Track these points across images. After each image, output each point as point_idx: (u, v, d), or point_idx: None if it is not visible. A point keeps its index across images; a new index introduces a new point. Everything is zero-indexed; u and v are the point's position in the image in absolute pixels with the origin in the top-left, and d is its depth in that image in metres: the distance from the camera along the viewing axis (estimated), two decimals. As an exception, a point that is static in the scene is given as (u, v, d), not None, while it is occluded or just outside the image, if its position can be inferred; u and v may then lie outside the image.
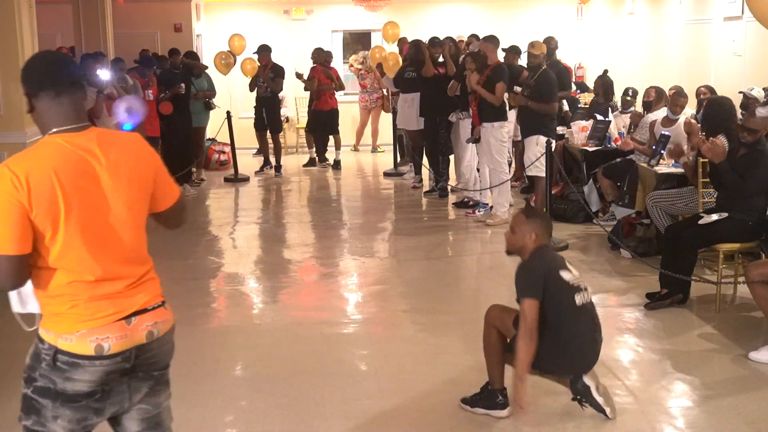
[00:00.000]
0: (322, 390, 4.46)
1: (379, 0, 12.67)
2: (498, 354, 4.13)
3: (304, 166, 12.69)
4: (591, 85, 11.09)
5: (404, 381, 4.60)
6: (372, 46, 14.42)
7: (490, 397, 4.15)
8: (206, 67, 11.56)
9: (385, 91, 13.20)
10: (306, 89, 12.43)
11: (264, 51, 11.65)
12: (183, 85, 10.15)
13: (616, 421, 4.05)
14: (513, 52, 8.96)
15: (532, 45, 8.28)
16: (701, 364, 4.86)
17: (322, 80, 12.13)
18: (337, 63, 14.63)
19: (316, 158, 12.71)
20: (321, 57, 12.30)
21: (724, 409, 4.20)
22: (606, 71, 10.59)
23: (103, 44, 10.63)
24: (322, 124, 12.34)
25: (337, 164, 12.44)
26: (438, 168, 10.05)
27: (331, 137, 12.54)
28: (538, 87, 8.00)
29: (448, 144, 9.91)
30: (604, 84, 9.74)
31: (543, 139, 7.76)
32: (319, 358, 4.95)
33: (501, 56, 8.87)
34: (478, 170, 9.18)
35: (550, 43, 10.11)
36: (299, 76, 12.19)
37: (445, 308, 5.94)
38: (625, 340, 5.28)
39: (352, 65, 13.86)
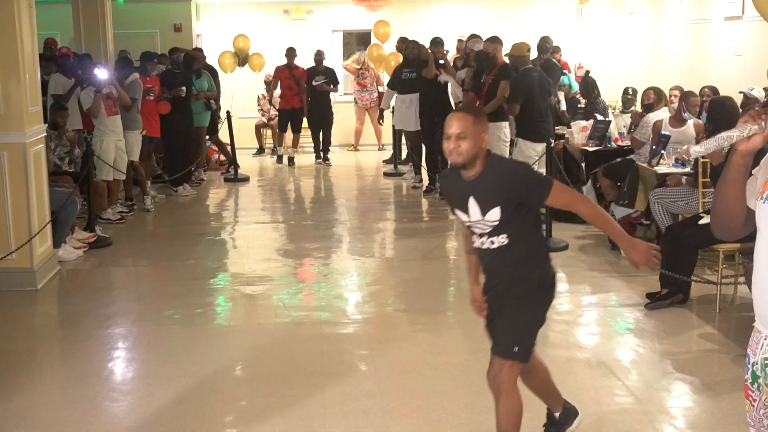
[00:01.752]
0: (322, 390, 4.46)
1: (380, 0, 12.67)
2: None
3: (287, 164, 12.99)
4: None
5: (404, 381, 4.60)
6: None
7: None
8: (205, 58, 11.61)
9: (381, 89, 13.22)
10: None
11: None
12: (183, 88, 10.13)
13: (617, 421, 4.05)
14: None
15: (513, 47, 8.38)
16: (701, 364, 4.86)
17: (283, 81, 12.52)
18: (337, 63, 14.66)
19: (282, 156, 13.09)
20: (290, 57, 12.52)
21: (724, 409, 4.19)
22: (588, 72, 10.63)
23: (103, 44, 10.62)
24: (291, 122, 12.71)
25: (290, 161, 12.86)
26: (436, 168, 10.07)
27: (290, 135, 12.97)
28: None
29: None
30: (586, 84, 9.80)
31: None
32: (319, 358, 4.95)
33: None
34: None
35: (545, 42, 10.15)
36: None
37: (445, 308, 5.94)
38: (625, 340, 5.28)
39: (348, 66, 13.88)
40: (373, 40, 13.16)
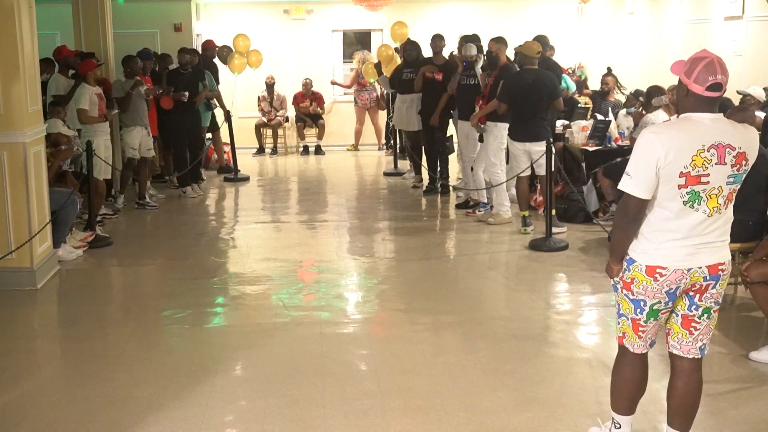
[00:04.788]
0: (322, 390, 4.46)
1: (380, 0, 12.67)
2: None
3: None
4: (596, 83, 11.09)
5: (404, 381, 4.60)
6: (372, 45, 14.43)
7: None
8: (214, 55, 11.65)
9: (380, 89, 13.21)
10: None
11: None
12: (186, 93, 10.10)
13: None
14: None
15: (524, 44, 8.40)
16: (701, 364, 4.85)
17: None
18: (337, 63, 14.69)
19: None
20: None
21: (724, 409, 4.20)
22: (610, 69, 10.62)
23: (102, 44, 10.60)
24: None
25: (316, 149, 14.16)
26: (436, 167, 10.07)
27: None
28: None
29: (443, 144, 9.95)
30: (617, 80, 9.84)
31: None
32: (319, 358, 4.95)
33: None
34: (471, 169, 9.19)
35: (542, 40, 10.14)
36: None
37: (445, 308, 5.93)
38: (625, 340, 5.27)
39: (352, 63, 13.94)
40: (381, 40, 13.14)
